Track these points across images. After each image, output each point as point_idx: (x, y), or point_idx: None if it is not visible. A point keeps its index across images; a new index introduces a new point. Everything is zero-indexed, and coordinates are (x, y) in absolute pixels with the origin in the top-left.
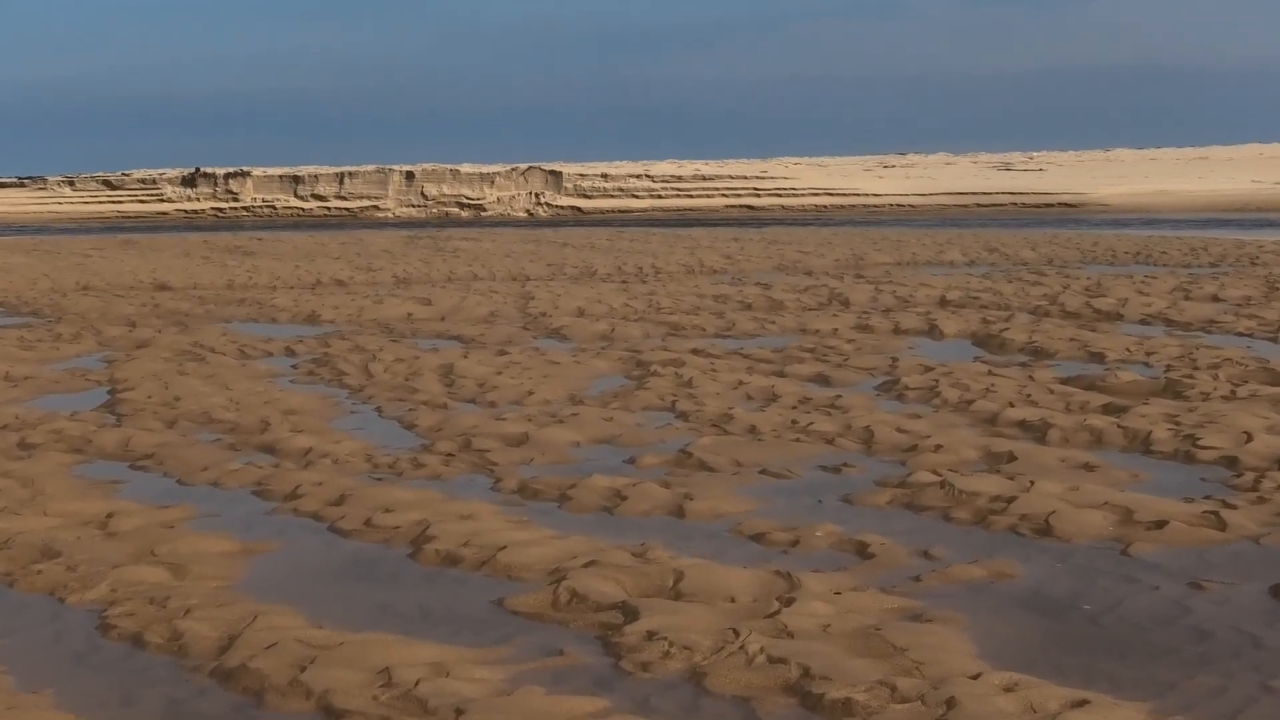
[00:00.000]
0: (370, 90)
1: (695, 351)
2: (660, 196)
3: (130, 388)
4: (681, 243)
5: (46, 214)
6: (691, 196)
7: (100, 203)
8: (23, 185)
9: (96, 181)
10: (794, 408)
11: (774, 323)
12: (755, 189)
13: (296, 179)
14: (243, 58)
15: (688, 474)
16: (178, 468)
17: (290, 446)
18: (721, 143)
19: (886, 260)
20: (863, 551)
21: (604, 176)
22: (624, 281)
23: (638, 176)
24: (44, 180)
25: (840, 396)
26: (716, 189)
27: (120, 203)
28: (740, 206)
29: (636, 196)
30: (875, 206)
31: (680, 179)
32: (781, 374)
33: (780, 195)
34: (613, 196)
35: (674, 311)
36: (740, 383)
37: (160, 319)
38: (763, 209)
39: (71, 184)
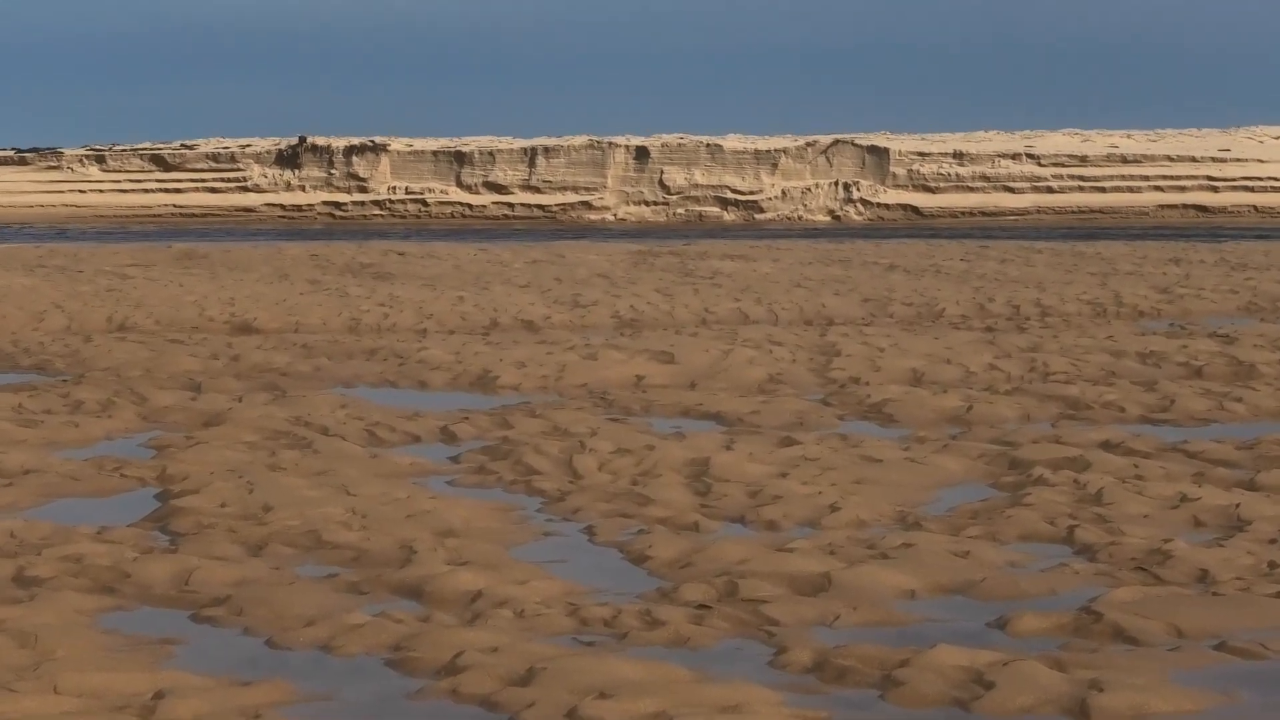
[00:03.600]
0: (567, 22)
1: (1107, 445)
2: (1051, 189)
3: (192, 490)
4: (1083, 264)
5: (62, 207)
6: (1102, 190)
7: (147, 190)
8: (25, 162)
9: (141, 157)
10: (1273, 542)
11: (1240, 400)
12: (1210, 178)
13: (460, 156)
14: None
15: (1094, 648)
16: (267, 620)
17: (447, 589)
18: (1152, 103)
19: None
20: None
21: (957, 156)
22: (988, 328)
23: (1013, 157)
24: (58, 154)
25: None
26: (1145, 178)
27: (180, 191)
28: (1185, 206)
29: (1011, 189)
30: None
31: (1084, 160)
32: (1252, 485)
33: (1252, 189)
34: (971, 189)
35: (1071, 379)
36: (1183, 498)
37: (241, 380)
38: (1223, 209)
39: (101, 160)
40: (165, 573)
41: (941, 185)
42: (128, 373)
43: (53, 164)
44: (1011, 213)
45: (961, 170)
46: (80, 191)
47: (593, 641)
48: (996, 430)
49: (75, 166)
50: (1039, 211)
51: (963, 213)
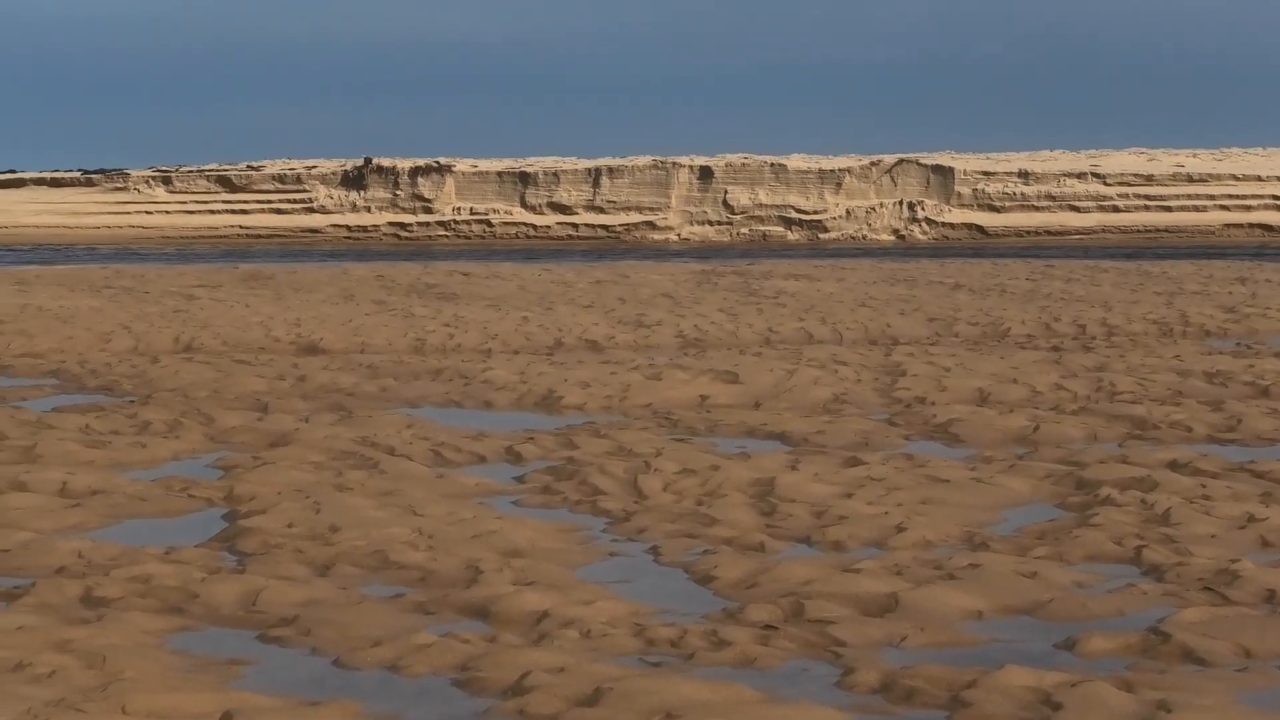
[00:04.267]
0: (631, 43)
1: (1174, 465)
2: (1116, 208)
3: (260, 510)
4: (1149, 283)
5: (128, 229)
6: (1168, 209)
7: (213, 212)
8: (91, 184)
9: (208, 178)
10: None
11: None
12: (1276, 196)
13: (524, 177)
14: None
15: (1162, 669)
16: (334, 641)
17: (513, 609)
18: (1218, 122)
19: None
20: None
21: (1022, 175)
22: (1055, 348)
23: (1078, 176)
24: (124, 175)
25: None
26: (1210, 197)
27: (245, 212)
28: (1250, 225)
29: (1076, 208)
30: None
31: (1150, 179)
32: None
33: None
34: (1036, 208)
35: (1138, 399)
36: (1250, 518)
37: (307, 400)
38: None
39: (168, 182)
40: (233, 593)
41: (1007, 204)
42: (195, 393)
43: (119, 185)
44: (1077, 232)
45: (1027, 189)
46: (147, 213)
47: (659, 662)
48: (1063, 450)
49: (142, 188)
50: (1104, 230)
51: (1028, 232)
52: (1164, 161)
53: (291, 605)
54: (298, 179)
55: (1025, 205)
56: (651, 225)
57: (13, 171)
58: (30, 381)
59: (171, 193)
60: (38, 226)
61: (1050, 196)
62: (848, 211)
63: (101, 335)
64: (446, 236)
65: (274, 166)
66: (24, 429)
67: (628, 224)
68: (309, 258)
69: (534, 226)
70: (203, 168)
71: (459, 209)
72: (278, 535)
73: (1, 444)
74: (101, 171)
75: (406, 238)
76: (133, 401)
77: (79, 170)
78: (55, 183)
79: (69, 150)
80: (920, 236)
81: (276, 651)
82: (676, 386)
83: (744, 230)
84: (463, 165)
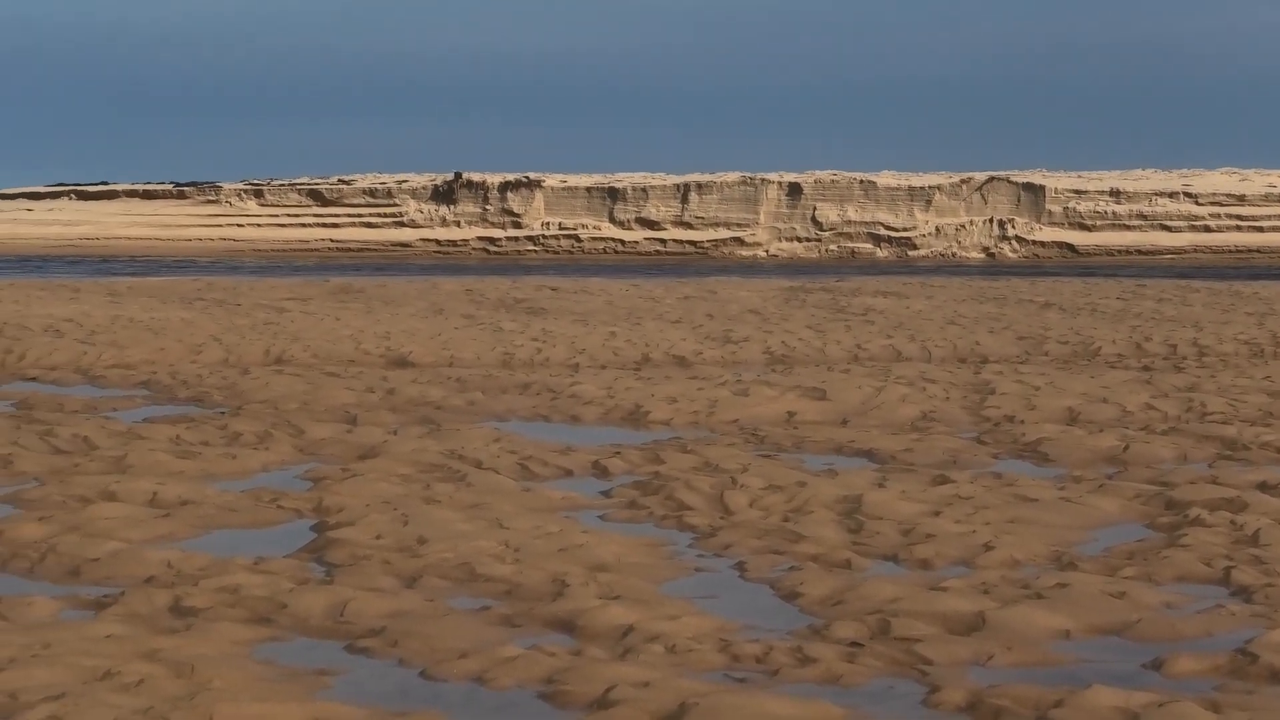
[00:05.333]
0: (720, 59)
1: (1264, 486)
2: (1209, 228)
3: (348, 522)
4: (1241, 303)
5: (220, 241)
6: (1260, 229)
7: (304, 225)
8: (183, 196)
9: (299, 192)
10: None
11: None
12: None
13: (612, 192)
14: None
15: (1250, 690)
16: (421, 652)
17: (599, 623)
18: None
19: None
20: None
21: (1114, 194)
22: (1145, 367)
23: (1170, 195)
24: (216, 189)
25: None
26: None
27: (336, 226)
28: None
29: (1168, 227)
30: None
31: (1242, 200)
32: None
33: None
34: (1128, 227)
35: (1229, 419)
36: None
37: (396, 413)
38: None
39: (259, 195)
40: (321, 604)
41: (1098, 223)
42: (284, 405)
43: (211, 198)
44: (1168, 251)
45: (1118, 208)
46: (238, 226)
47: (744, 678)
48: (1153, 470)
49: (233, 201)
50: (1196, 250)
51: (1119, 251)
52: (1256, 181)
53: (379, 616)
54: (388, 193)
55: (1116, 224)
56: (740, 241)
57: (105, 183)
58: (121, 392)
59: (263, 206)
60: (129, 238)
61: (1142, 216)
62: (937, 229)
63: (193, 347)
64: (535, 251)
65: (365, 180)
66: (115, 439)
67: (716, 240)
68: (399, 271)
69: (622, 242)
70: (294, 181)
71: (548, 224)
72: (366, 547)
73: (93, 454)
74: (194, 184)
75: (495, 252)
76: (223, 413)
77: (171, 183)
78: (147, 195)
79: (161, 163)
80: (1010, 254)
81: (364, 662)
82: (763, 403)
83: (832, 247)
84: (552, 180)
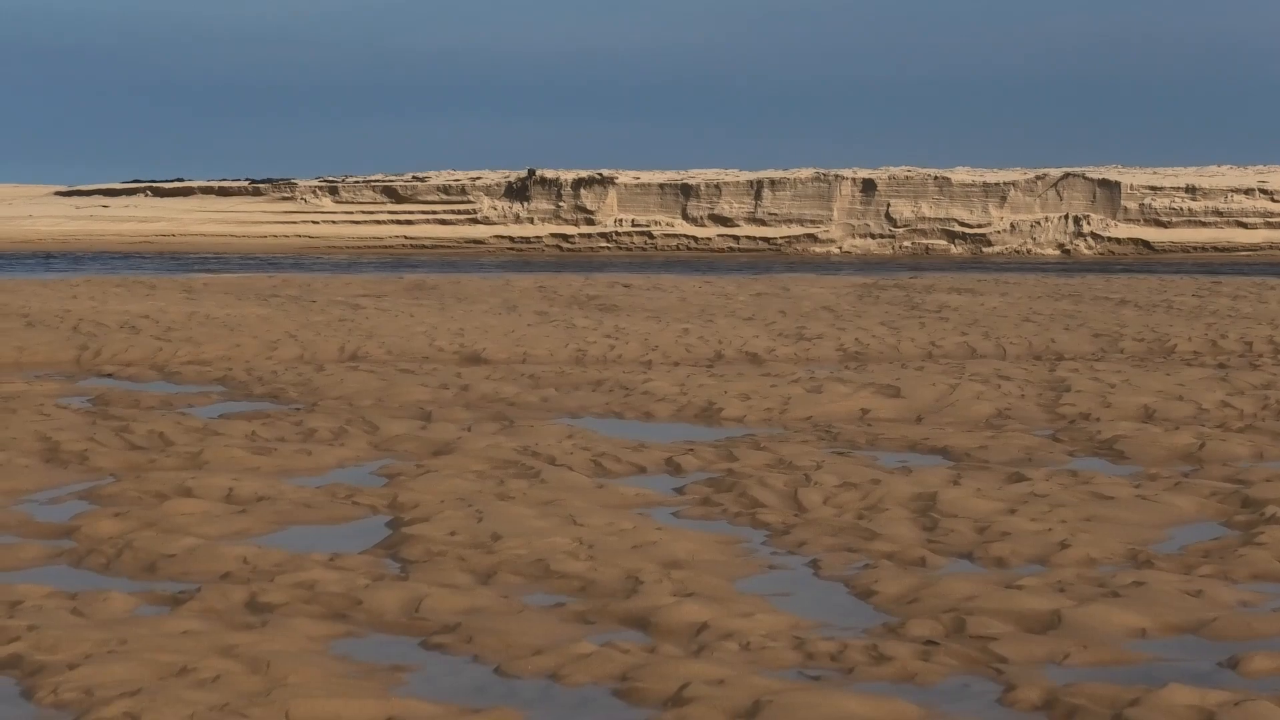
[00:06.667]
0: (793, 55)
1: None
2: None
3: (423, 518)
4: None
5: (295, 238)
6: None
7: (379, 222)
8: (259, 193)
9: (373, 189)
10: None
11: None
12: None
13: (685, 189)
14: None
15: None
16: (495, 649)
17: (673, 620)
18: None
19: None
20: None
21: (1189, 191)
22: (1221, 365)
23: (1246, 192)
24: (292, 185)
25: None
26: None
27: (410, 222)
28: None
29: (1244, 224)
30: None
31: None
32: None
33: None
34: (1204, 224)
35: None
36: None
37: (470, 409)
38: None
39: (334, 192)
40: (396, 600)
41: (1174, 220)
42: (359, 402)
43: (286, 195)
44: (1244, 248)
45: (1194, 205)
46: (313, 222)
47: (819, 676)
48: (1229, 468)
49: (308, 198)
50: (1271, 247)
51: (1194, 248)
52: None
53: (454, 613)
54: (462, 190)
55: (1192, 221)
56: (813, 238)
57: (181, 180)
58: (197, 388)
59: (338, 203)
60: (205, 235)
61: (1217, 212)
62: (1012, 225)
63: (268, 343)
64: (608, 248)
65: (439, 177)
66: (191, 435)
67: (789, 236)
68: (472, 268)
69: (695, 238)
70: (368, 178)
71: (621, 220)
72: (440, 543)
73: (169, 450)
74: (269, 181)
75: (568, 249)
76: (298, 409)
77: (246, 179)
78: (223, 191)
79: (237, 160)
80: (1085, 251)
81: (438, 658)
82: (837, 400)
83: (906, 243)
84: (625, 177)
